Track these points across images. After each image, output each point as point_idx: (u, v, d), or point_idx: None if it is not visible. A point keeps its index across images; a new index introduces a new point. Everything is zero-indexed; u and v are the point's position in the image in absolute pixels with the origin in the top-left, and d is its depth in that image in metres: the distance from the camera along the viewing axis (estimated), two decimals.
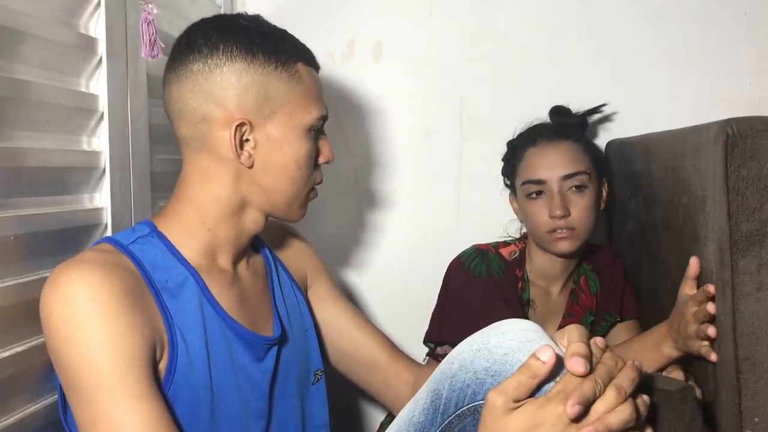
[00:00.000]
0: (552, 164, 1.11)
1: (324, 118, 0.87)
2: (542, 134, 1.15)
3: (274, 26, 0.87)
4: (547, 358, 0.61)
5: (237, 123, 0.79)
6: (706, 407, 0.87)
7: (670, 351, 0.96)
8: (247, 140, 0.81)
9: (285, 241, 1.04)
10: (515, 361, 0.66)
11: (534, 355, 0.62)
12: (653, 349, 0.97)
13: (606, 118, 1.36)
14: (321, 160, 0.89)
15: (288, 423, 0.89)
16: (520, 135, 1.21)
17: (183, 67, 0.81)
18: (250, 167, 0.82)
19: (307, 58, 0.87)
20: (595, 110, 1.25)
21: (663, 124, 1.14)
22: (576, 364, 0.61)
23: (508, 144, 1.23)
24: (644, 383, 0.70)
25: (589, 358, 0.62)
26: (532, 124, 1.22)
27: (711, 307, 0.86)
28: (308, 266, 1.05)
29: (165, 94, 0.84)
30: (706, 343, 0.88)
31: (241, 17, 0.85)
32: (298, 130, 0.83)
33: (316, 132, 0.87)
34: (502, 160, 1.24)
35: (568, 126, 1.20)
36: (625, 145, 1.26)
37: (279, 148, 0.82)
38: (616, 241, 1.35)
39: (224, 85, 0.80)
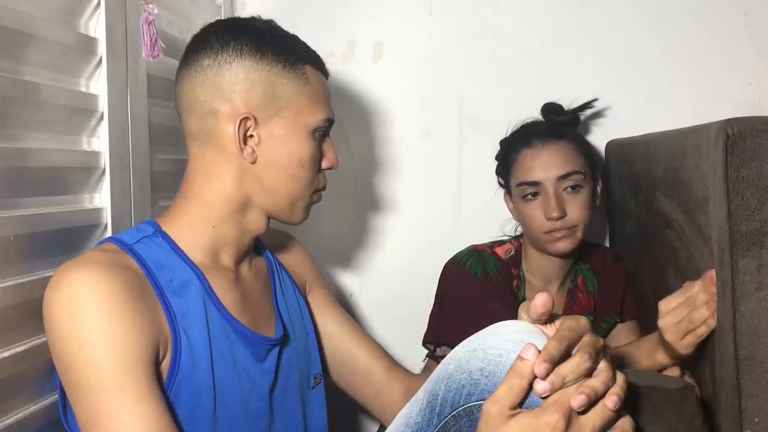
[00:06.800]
0: (546, 165, 1.11)
1: (329, 122, 0.88)
2: (536, 135, 1.15)
3: (286, 31, 0.89)
4: (531, 356, 0.62)
5: (242, 117, 0.81)
6: (705, 406, 0.87)
7: (663, 359, 0.94)
8: (251, 136, 0.82)
9: (286, 246, 1.04)
10: (509, 361, 0.66)
11: (519, 357, 0.63)
12: (646, 357, 0.96)
13: (606, 118, 1.37)
14: (325, 164, 0.89)
15: (289, 425, 0.89)
16: (514, 134, 1.21)
17: (195, 63, 0.83)
18: (253, 163, 0.83)
19: (316, 63, 0.89)
20: (587, 105, 1.24)
21: (663, 124, 1.14)
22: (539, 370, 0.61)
23: (501, 143, 1.23)
24: (644, 382, 0.70)
25: (554, 362, 0.62)
26: (525, 122, 1.22)
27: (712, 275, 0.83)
28: (307, 273, 1.05)
29: (176, 90, 0.86)
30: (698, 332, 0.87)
31: (254, 20, 0.87)
32: (302, 130, 0.84)
33: (321, 135, 0.87)
34: (496, 159, 1.24)
35: (561, 125, 1.19)
36: (625, 145, 1.26)
37: (283, 146, 0.83)
38: (616, 241, 1.35)
39: (232, 80, 0.81)
